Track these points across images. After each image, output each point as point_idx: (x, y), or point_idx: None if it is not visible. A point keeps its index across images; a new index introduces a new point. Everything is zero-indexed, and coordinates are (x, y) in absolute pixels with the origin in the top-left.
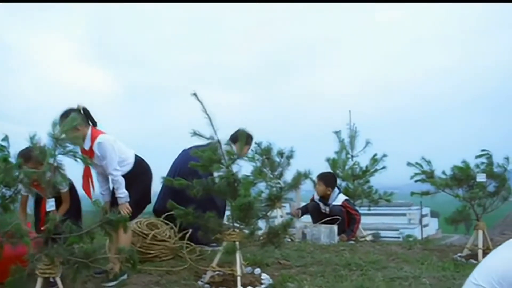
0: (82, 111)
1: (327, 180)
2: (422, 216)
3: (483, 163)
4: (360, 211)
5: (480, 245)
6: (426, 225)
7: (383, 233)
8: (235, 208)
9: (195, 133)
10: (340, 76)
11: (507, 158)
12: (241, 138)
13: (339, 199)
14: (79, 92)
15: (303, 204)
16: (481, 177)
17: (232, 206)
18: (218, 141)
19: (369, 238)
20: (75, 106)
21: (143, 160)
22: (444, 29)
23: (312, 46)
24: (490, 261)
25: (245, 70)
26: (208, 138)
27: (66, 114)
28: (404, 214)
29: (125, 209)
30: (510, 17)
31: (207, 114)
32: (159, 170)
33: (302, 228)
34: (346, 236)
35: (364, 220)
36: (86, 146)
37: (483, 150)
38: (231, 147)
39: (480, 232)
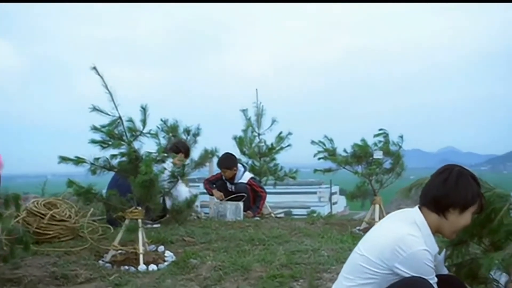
0: None
1: (229, 164)
2: (331, 194)
3: (380, 141)
4: (273, 191)
5: (377, 218)
6: (335, 203)
7: (295, 211)
8: (136, 186)
9: (94, 109)
10: (250, 55)
11: (401, 137)
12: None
13: (245, 177)
14: None
15: None
16: (378, 154)
17: (134, 184)
18: (120, 117)
19: (281, 215)
20: None
21: None
22: (360, 14)
23: (225, 24)
24: (373, 233)
25: (156, 47)
26: (108, 114)
27: None
28: (314, 193)
29: None
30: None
31: (108, 90)
32: (61, 148)
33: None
34: (252, 213)
35: (277, 198)
36: None
37: (380, 129)
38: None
39: (377, 206)
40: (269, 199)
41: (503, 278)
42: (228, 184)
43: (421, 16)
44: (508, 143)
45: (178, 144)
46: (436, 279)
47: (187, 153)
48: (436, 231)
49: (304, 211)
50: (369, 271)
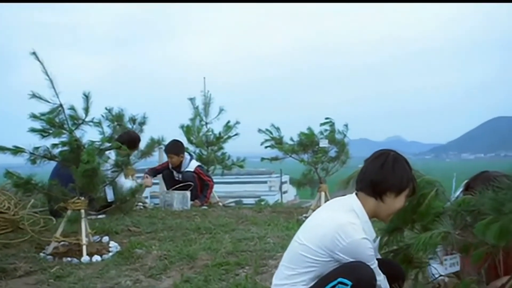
0: None
1: (175, 149)
2: (281, 183)
3: (326, 130)
4: (224, 180)
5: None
6: (285, 192)
7: (245, 200)
8: (78, 175)
9: (34, 96)
10: (198, 43)
11: (346, 125)
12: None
13: (192, 165)
14: None
15: None
16: (323, 143)
17: (76, 173)
18: (61, 105)
19: (232, 205)
20: None
21: None
22: (312, 7)
23: (173, 12)
24: (312, 221)
25: (102, 33)
26: (48, 102)
27: None
28: (265, 182)
29: None
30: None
31: (48, 76)
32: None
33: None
34: (199, 202)
35: (227, 188)
36: None
37: (326, 118)
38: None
39: (323, 194)
40: (220, 188)
41: (435, 262)
42: (175, 173)
43: (373, 10)
44: (451, 132)
45: (123, 137)
46: (376, 264)
47: (131, 146)
48: (373, 216)
49: (254, 201)
50: (309, 259)
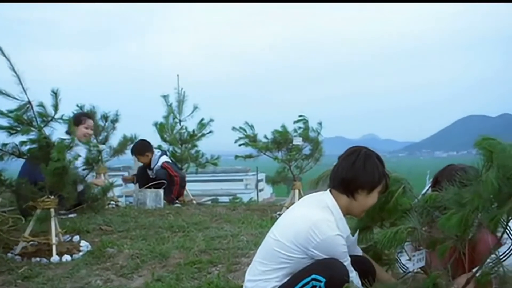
0: None
1: (140, 150)
2: (258, 181)
3: (300, 127)
4: (200, 178)
5: None
6: (261, 190)
7: (222, 199)
8: (48, 173)
9: (0, 92)
10: (174, 40)
11: (320, 123)
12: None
13: (161, 161)
14: None
15: None
16: (297, 140)
17: (45, 171)
18: (29, 102)
19: (208, 203)
20: None
21: None
22: (292, 5)
23: (148, 8)
24: (287, 218)
25: (76, 29)
26: (16, 98)
27: None
28: (241, 180)
29: None
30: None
31: (15, 72)
32: None
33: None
34: (167, 199)
35: (203, 186)
36: None
37: (300, 116)
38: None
39: (297, 191)
40: (195, 186)
41: (403, 259)
42: (148, 171)
43: (350, 10)
44: (424, 131)
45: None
46: (349, 260)
47: (76, 123)
48: (346, 213)
49: (229, 199)
50: (283, 255)
